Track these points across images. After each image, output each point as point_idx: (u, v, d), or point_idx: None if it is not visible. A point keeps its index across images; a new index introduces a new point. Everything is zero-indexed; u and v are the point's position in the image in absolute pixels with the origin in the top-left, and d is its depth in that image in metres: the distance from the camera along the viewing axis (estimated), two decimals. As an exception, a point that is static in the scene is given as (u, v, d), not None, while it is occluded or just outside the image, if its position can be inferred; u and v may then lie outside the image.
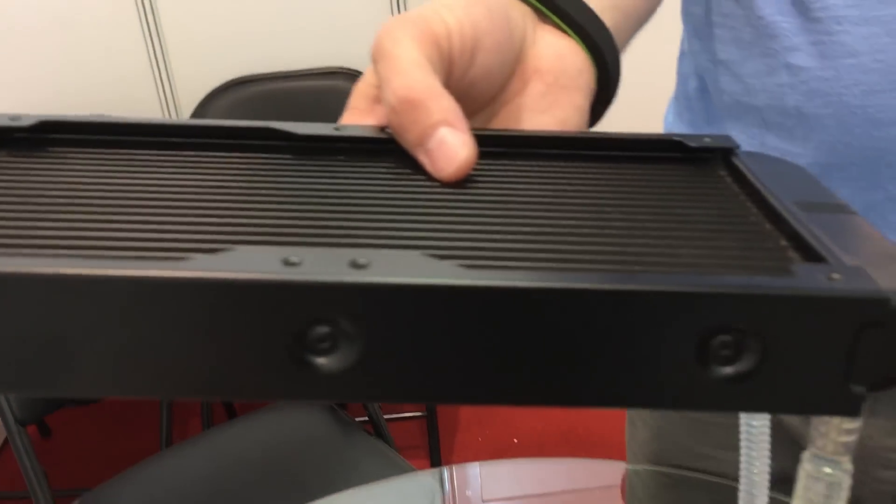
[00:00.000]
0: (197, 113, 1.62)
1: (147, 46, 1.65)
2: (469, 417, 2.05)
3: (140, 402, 2.11)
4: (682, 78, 0.58)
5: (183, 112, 1.69)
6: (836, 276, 0.21)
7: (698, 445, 0.65)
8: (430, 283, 0.20)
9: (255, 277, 0.19)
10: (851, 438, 0.23)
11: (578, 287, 0.20)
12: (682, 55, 0.58)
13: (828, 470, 0.24)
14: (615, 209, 0.26)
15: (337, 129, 0.30)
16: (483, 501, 1.02)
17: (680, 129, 0.59)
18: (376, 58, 0.29)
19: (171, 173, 0.27)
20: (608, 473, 0.85)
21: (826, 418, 0.23)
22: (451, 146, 0.27)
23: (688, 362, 0.21)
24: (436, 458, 1.80)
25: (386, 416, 1.44)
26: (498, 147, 0.30)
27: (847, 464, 0.24)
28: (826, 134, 0.46)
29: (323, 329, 0.20)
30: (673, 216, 0.26)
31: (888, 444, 0.56)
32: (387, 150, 0.29)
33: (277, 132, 0.29)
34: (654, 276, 0.21)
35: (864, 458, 0.57)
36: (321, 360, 0.20)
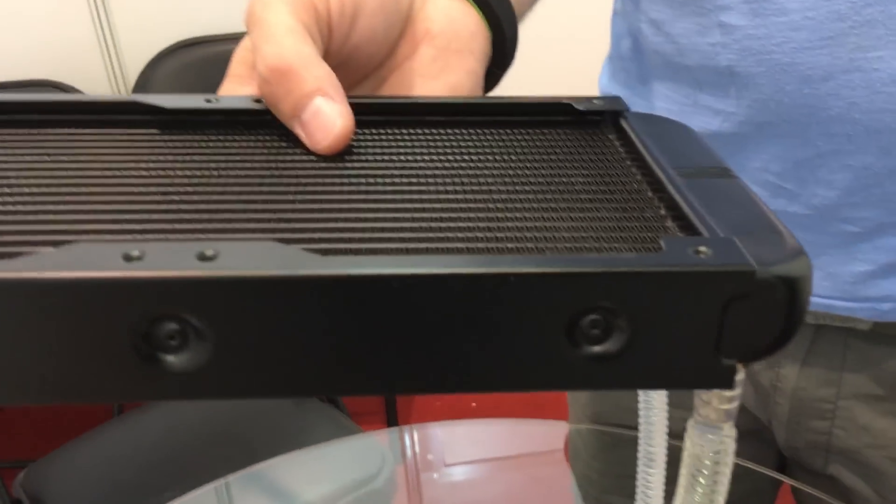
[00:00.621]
0: (144, 76, 1.58)
1: (90, 5, 1.60)
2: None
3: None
4: (615, 38, 0.58)
5: (129, 75, 1.65)
6: (703, 249, 0.20)
7: (634, 402, 0.66)
8: (279, 274, 0.19)
9: (94, 275, 0.18)
10: (733, 406, 0.23)
11: (438, 272, 0.19)
12: (615, 15, 0.57)
13: (711, 437, 0.24)
14: (497, 179, 0.25)
15: (209, 100, 0.28)
16: (428, 461, 1.03)
17: (614, 89, 0.58)
18: (248, 24, 0.28)
19: (20, 155, 0.25)
20: (552, 434, 0.85)
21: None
22: (326, 117, 0.26)
23: (558, 343, 0.20)
24: (393, 425, 1.81)
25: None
26: (381, 115, 0.29)
27: (730, 430, 0.24)
28: (758, 92, 0.46)
29: (171, 326, 0.19)
30: (556, 185, 0.25)
31: (821, 394, 0.56)
32: (263, 123, 0.28)
33: (143, 106, 0.28)
34: (520, 257, 0.21)
35: (797, 411, 0.58)
36: (171, 359, 0.19)
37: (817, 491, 0.63)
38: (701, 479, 0.25)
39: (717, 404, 0.23)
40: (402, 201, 0.24)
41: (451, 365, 0.20)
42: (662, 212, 0.24)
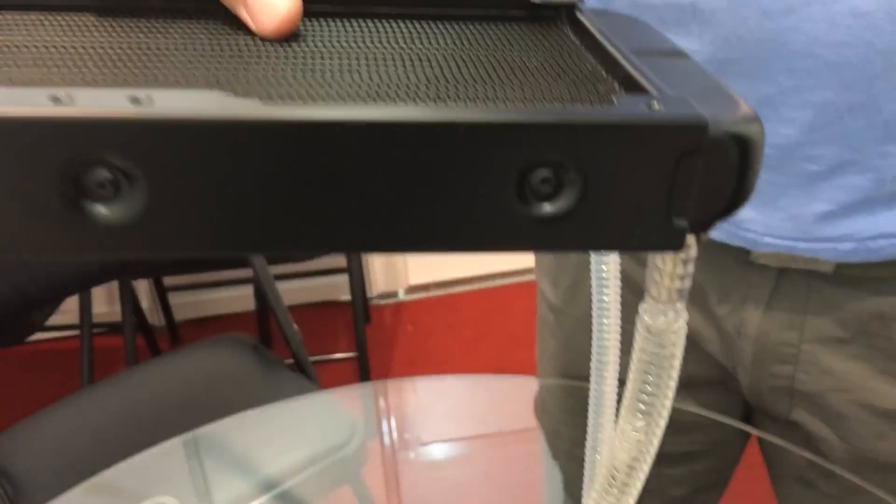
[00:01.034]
0: None
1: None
2: (401, 358, 2.06)
3: (60, 347, 2.07)
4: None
5: None
6: (656, 104, 0.20)
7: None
8: (217, 117, 0.18)
9: (19, 113, 0.17)
10: (685, 284, 0.23)
11: (384, 120, 0.19)
12: None
13: (663, 318, 0.24)
14: (449, 61, 0.25)
15: None
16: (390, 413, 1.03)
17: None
18: None
19: None
20: (520, 388, 0.86)
21: (659, 265, 0.23)
22: None
23: (508, 200, 0.20)
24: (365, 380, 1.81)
25: (314, 358, 1.43)
26: (331, 5, 0.28)
27: (683, 311, 0.24)
28: (720, 28, 0.46)
29: (102, 174, 0.18)
30: (508, 66, 0.25)
31: (784, 338, 0.57)
32: (207, 10, 0.27)
33: None
34: (468, 108, 0.20)
35: (760, 355, 0.59)
36: (102, 209, 0.19)
37: (782, 441, 0.63)
38: (653, 367, 0.25)
39: (668, 283, 0.23)
40: (350, 74, 0.23)
41: (396, 221, 0.20)
42: (616, 85, 0.24)
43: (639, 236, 0.21)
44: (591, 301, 0.72)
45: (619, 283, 0.33)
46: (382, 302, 2.37)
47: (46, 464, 1.07)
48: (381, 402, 1.03)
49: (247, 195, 0.19)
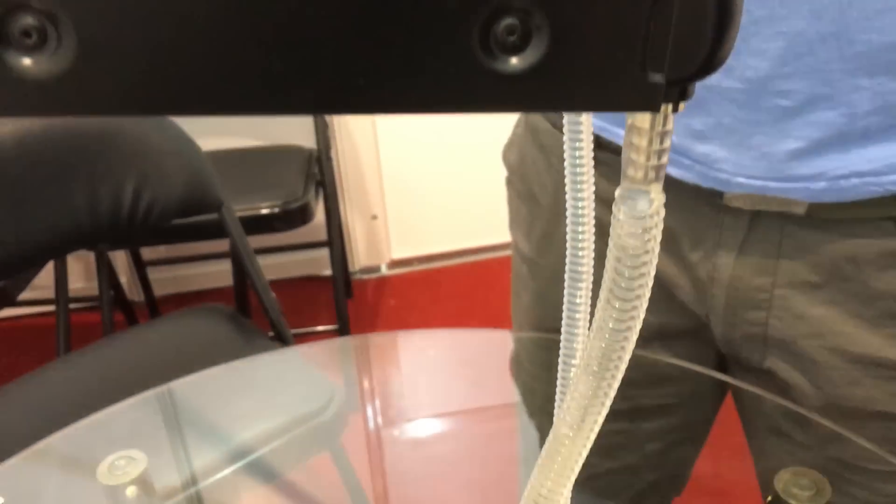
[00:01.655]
0: None
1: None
2: (384, 329, 2.05)
3: (35, 323, 2.05)
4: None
5: None
6: None
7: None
8: None
9: None
10: (663, 160, 0.22)
11: None
12: None
13: (642, 201, 0.23)
14: None
15: None
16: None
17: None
18: None
19: None
20: (494, 341, 0.85)
21: (635, 142, 0.22)
22: None
23: (472, 52, 0.19)
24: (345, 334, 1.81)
25: (294, 331, 1.42)
26: None
27: (660, 193, 0.23)
28: None
29: (27, 20, 0.17)
30: None
31: (757, 283, 0.56)
32: None
33: None
34: None
35: (733, 301, 0.58)
36: (26, 61, 0.17)
37: (756, 388, 0.63)
38: (629, 256, 0.23)
39: (644, 161, 0.22)
40: None
41: (350, 75, 0.19)
42: None
43: (612, 94, 0.20)
44: (563, 251, 0.72)
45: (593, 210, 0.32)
46: (364, 276, 2.36)
47: (20, 430, 1.05)
48: (364, 378, 1.03)
49: (188, 46, 0.18)
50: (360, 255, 2.36)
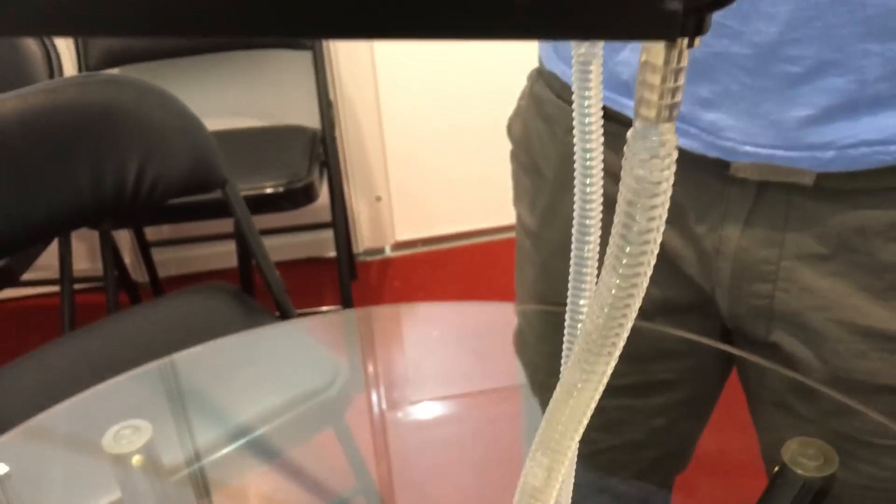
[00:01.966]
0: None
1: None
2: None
3: (40, 304, 2.05)
4: None
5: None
6: None
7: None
8: None
9: None
10: (677, 98, 0.22)
11: None
12: None
13: (655, 138, 0.22)
14: None
15: None
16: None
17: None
18: None
19: None
20: (498, 313, 0.85)
21: (650, 80, 0.22)
22: None
23: None
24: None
25: (299, 311, 1.42)
26: None
27: (673, 134, 0.22)
28: None
29: None
30: None
31: (763, 255, 0.56)
32: None
33: None
34: None
35: (739, 274, 0.58)
36: None
37: (761, 359, 0.63)
38: (641, 197, 0.23)
39: (657, 99, 0.22)
40: None
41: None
42: None
43: (629, 20, 0.19)
44: (567, 224, 0.71)
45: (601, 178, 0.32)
46: (369, 258, 2.36)
47: (24, 404, 1.06)
48: (368, 354, 1.03)
49: None
50: (364, 237, 2.36)
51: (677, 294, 0.63)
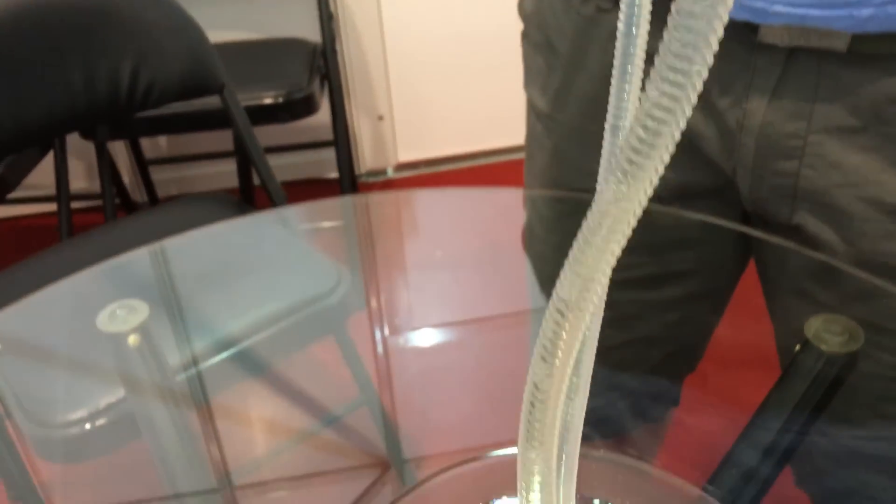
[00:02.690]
0: None
1: None
2: (389, 233, 2.03)
3: (38, 223, 2.03)
4: None
5: None
6: None
7: (593, 164, 0.62)
8: None
9: None
10: None
11: None
12: None
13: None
14: None
15: None
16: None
17: None
18: None
19: None
20: (508, 199, 0.82)
21: None
22: None
23: None
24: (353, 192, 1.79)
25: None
26: None
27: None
28: None
29: None
30: None
31: (790, 129, 0.53)
32: None
33: None
34: None
35: (763, 151, 0.55)
36: None
37: (783, 240, 0.60)
38: (692, 20, 0.20)
39: None
40: None
41: None
42: None
43: None
44: (582, 106, 0.67)
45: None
46: (371, 179, 2.33)
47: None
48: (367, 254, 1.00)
49: None
50: (367, 158, 2.32)
51: (696, 177, 0.60)
